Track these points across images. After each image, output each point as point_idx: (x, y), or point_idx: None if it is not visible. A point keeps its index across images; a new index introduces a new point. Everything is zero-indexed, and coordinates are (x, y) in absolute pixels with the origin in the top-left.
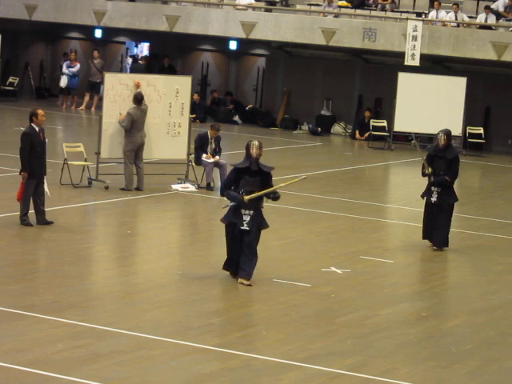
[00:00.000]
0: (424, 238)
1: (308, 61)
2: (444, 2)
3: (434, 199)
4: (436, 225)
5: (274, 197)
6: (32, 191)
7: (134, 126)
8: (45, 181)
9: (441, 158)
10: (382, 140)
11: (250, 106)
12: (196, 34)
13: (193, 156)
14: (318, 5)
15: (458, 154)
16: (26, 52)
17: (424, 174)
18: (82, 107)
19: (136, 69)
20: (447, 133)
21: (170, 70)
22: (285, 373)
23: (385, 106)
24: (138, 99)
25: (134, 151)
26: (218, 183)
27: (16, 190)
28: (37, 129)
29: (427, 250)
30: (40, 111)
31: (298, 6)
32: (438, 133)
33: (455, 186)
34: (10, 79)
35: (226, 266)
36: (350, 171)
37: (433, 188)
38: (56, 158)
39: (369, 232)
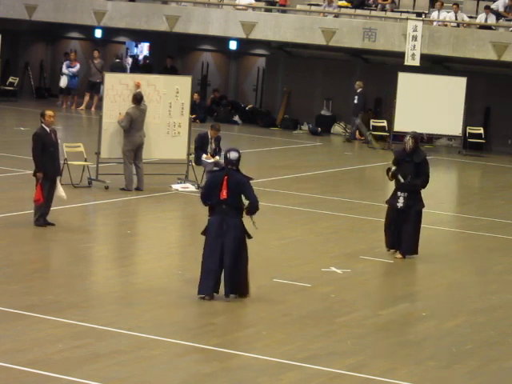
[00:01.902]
0: (389, 247)
1: (308, 61)
2: (444, 2)
3: (400, 205)
4: (403, 232)
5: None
6: (46, 192)
7: (133, 125)
8: (58, 183)
9: (408, 162)
10: (381, 140)
11: (250, 105)
12: (196, 34)
13: (193, 156)
14: (318, 5)
15: (426, 157)
16: (26, 52)
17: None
18: (82, 107)
19: (114, 67)
20: (414, 136)
21: (173, 71)
22: (285, 373)
23: (385, 105)
24: (138, 99)
25: (133, 151)
26: None
27: (15, 191)
28: (47, 129)
29: (426, 250)
30: (48, 112)
31: (298, 6)
32: (406, 136)
33: (455, 187)
34: (10, 79)
35: None
36: (349, 171)
37: (399, 193)
38: None
39: (369, 232)
